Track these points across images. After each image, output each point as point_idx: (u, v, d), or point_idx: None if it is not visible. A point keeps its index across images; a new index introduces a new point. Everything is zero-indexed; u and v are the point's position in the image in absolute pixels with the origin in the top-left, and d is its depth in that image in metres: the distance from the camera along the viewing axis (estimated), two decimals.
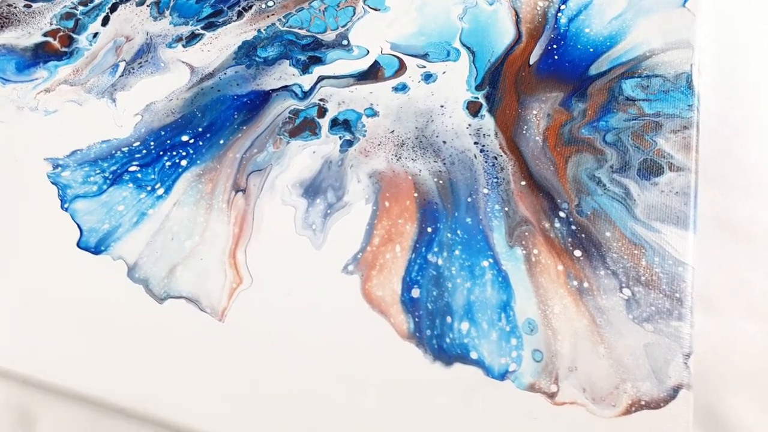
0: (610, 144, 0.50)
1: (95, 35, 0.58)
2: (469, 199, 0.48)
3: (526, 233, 0.46)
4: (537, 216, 0.47)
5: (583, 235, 0.46)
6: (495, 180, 0.49)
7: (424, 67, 0.55)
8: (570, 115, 0.51)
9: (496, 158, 0.50)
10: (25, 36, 0.58)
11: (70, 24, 0.59)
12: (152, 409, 0.40)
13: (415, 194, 0.48)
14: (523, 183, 0.48)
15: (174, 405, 0.41)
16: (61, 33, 0.58)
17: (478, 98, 0.53)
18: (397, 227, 0.47)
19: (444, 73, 0.55)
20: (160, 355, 0.42)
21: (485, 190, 0.48)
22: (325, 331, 0.43)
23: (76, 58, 0.57)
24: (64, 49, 0.57)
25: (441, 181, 0.49)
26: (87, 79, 0.55)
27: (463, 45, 0.56)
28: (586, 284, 0.44)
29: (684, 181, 0.48)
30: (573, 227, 0.46)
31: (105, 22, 0.59)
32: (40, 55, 0.57)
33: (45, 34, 0.58)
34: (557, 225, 0.46)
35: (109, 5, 0.60)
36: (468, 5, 0.58)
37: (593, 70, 0.54)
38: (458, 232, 0.46)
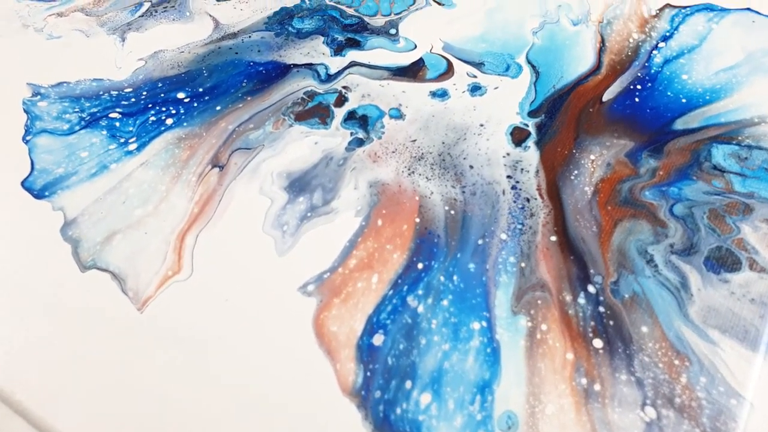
0: (678, 217, 0.38)
1: None
2: (481, 242, 0.38)
3: (539, 301, 0.35)
4: (559, 283, 0.36)
5: (611, 322, 0.35)
6: (519, 226, 0.38)
7: (475, 77, 0.46)
8: (635, 171, 0.40)
9: (528, 200, 0.39)
10: None
11: None
12: (19, 397, 0.33)
13: (417, 219, 0.39)
14: (554, 239, 0.38)
15: (46, 399, 0.33)
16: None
17: (527, 126, 0.43)
18: (382, 253, 0.37)
19: (496, 88, 0.45)
20: (54, 333, 0.35)
21: (503, 236, 0.38)
22: (256, 356, 0.34)
23: None
24: None
25: (453, 212, 0.39)
26: (105, 12, 0.49)
27: (529, 62, 0.46)
28: (597, 386, 0.32)
29: (765, 287, 0.36)
30: (601, 309, 0.35)
31: None
32: None
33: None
34: (581, 301, 0.35)
35: None
36: (548, 20, 0.48)
37: (680, 124, 0.42)
38: (454, 277, 0.36)
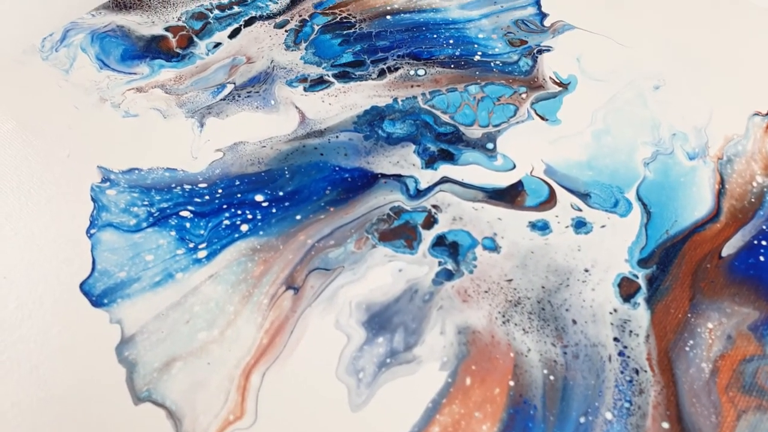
0: None
1: (217, 45, 0.49)
2: (583, 420, 0.33)
3: None
4: None
5: None
6: (627, 405, 0.33)
7: (580, 210, 0.41)
8: (761, 349, 0.35)
9: (637, 372, 0.34)
10: (146, 24, 0.50)
11: (198, 25, 0.50)
12: None
13: (511, 382, 0.34)
14: (666, 425, 0.32)
15: None
16: (184, 32, 0.50)
17: (637, 277, 0.38)
18: (469, 422, 0.32)
19: (603, 227, 0.40)
20: None
21: (609, 415, 0.33)
22: None
23: (185, 64, 0.48)
24: (178, 51, 0.49)
25: (553, 377, 0.34)
26: (186, 91, 0.46)
27: (639, 199, 0.41)
28: None
29: None
30: None
31: (234, 34, 0.50)
32: (152, 49, 0.49)
33: (167, 29, 0.50)
34: None
35: (246, 18, 0.51)
36: (660, 150, 0.44)
37: None
38: None
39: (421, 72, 0.48)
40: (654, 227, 0.40)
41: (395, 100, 0.46)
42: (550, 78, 0.48)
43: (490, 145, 0.44)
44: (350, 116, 0.45)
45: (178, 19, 0.50)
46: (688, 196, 0.42)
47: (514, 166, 0.43)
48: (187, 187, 0.41)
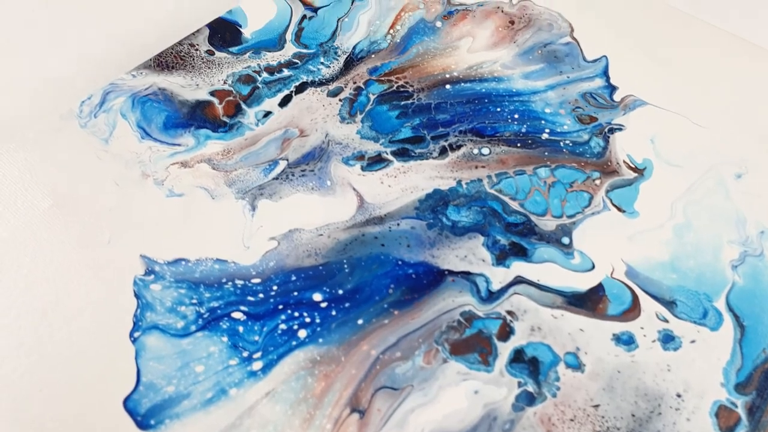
0: None
1: (267, 114, 0.45)
2: None
3: None
4: None
5: None
6: None
7: (667, 321, 0.37)
8: None
9: None
10: (191, 87, 0.46)
11: (245, 90, 0.46)
12: None
13: None
14: None
15: None
16: (231, 98, 0.46)
17: (736, 406, 0.34)
18: None
19: (693, 342, 0.36)
20: None
21: None
22: None
23: (233, 135, 0.44)
24: (225, 119, 0.45)
25: None
26: (235, 167, 0.42)
27: (730, 310, 0.38)
28: None
29: None
30: None
31: (285, 102, 0.46)
32: (197, 116, 0.45)
33: (212, 93, 0.46)
34: None
35: (297, 83, 0.47)
36: (749, 251, 0.40)
37: None
38: None
39: (485, 151, 0.44)
40: (749, 344, 0.36)
41: (459, 182, 0.42)
42: (624, 162, 0.44)
43: (565, 240, 0.40)
44: (411, 200, 0.41)
45: (224, 83, 0.47)
46: None
47: (593, 266, 0.39)
48: (239, 282, 0.37)
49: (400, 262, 0.39)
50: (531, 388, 0.34)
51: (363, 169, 0.43)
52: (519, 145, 0.45)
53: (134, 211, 0.40)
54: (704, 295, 0.38)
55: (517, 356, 0.35)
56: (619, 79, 0.49)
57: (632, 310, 0.38)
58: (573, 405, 0.34)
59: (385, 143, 0.44)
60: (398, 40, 0.50)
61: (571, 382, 0.35)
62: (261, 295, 0.37)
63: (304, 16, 0.51)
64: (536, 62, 0.49)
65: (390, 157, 0.44)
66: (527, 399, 0.34)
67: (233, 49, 0.49)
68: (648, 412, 0.34)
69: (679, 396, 0.34)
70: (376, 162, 0.43)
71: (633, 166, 0.44)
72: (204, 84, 0.46)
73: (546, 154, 0.44)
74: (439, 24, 0.52)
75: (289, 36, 0.50)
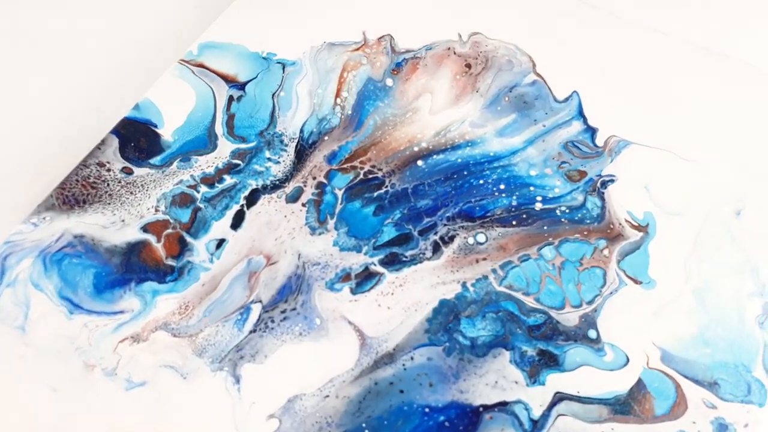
0: None
1: (220, 244, 0.37)
2: None
3: None
4: None
5: None
6: None
7: (715, 407, 0.35)
8: None
9: None
10: (115, 226, 0.37)
11: (185, 216, 0.38)
12: None
13: None
14: None
15: None
16: (170, 230, 0.37)
17: None
18: None
19: (746, 426, 0.34)
20: None
21: None
22: None
23: (186, 283, 0.36)
24: (170, 262, 0.36)
25: None
26: (200, 327, 0.34)
27: None
28: None
29: None
30: None
31: (237, 221, 0.38)
32: (134, 265, 0.36)
33: (145, 228, 0.37)
34: None
35: (246, 192, 0.39)
36: None
37: None
38: None
39: (481, 238, 0.39)
40: None
41: (464, 285, 0.37)
42: (626, 221, 0.40)
43: (592, 334, 0.36)
44: (418, 322, 0.36)
45: (156, 210, 0.38)
46: None
47: (628, 360, 0.36)
48: None
49: (427, 410, 0.33)
50: None
51: (353, 292, 0.36)
52: (514, 223, 0.40)
53: (86, 423, 0.31)
54: (743, 366, 0.36)
55: None
56: (595, 115, 0.44)
57: (679, 404, 0.35)
58: None
59: (369, 251, 0.38)
60: (350, 112, 0.43)
61: None
62: None
63: (231, 98, 0.42)
64: (506, 113, 0.44)
65: (380, 268, 0.37)
66: None
67: (155, 160, 0.39)
68: None
69: None
70: (365, 279, 0.37)
71: (636, 224, 0.40)
72: (131, 218, 0.37)
73: (545, 228, 0.39)
74: (390, 82, 0.44)
75: (219, 129, 0.41)
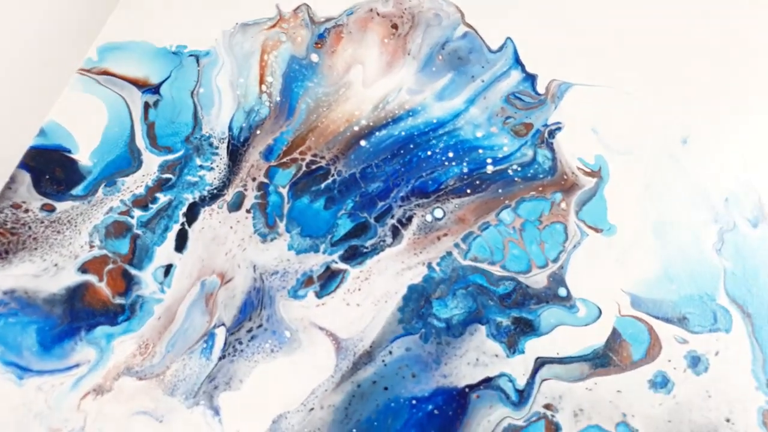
0: None
1: (168, 270, 0.35)
2: None
3: None
4: None
5: None
6: None
7: (686, 342, 0.36)
8: None
9: None
10: (49, 273, 0.34)
11: (124, 246, 0.35)
12: None
13: None
14: None
15: None
16: (110, 265, 0.34)
17: None
18: None
19: (717, 354, 0.36)
20: None
21: None
22: None
23: (141, 320, 0.33)
24: (118, 301, 0.34)
25: None
26: (166, 365, 0.32)
27: (733, 301, 0.37)
28: None
29: None
30: None
31: (181, 242, 0.35)
32: (79, 312, 0.33)
33: (82, 269, 0.34)
34: None
35: (184, 209, 0.36)
36: (724, 227, 0.39)
37: None
38: None
39: (438, 214, 0.38)
40: (761, 333, 0.36)
41: (430, 266, 0.36)
42: (578, 168, 0.40)
43: (562, 292, 0.36)
44: (391, 314, 0.35)
45: (91, 246, 0.35)
46: None
47: (600, 312, 0.36)
48: None
49: (414, 402, 0.33)
50: None
51: (318, 295, 0.35)
52: (469, 191, 0.38)
53: None
54: (707, 296, 0.37)
55: None
56: (533, 60, 0.43)
57: (654, 345, 0.36)
58: None
59: (327, 249, 0.36)
60: (278, 98, 0.40)
61: None
62: None
63: (146, 105, 0.39)
64: (442, 73, 0.42)
65: (341, 265, 0.36)
66: None
67: (76, 190, 0.36)
68: None
69: (728, 421, 0.34)
70: (329, 279, 0.35)
71: (589, 170, 0.40)
72: (64, 260, 0.34)
73: (500, 191, 0.39)
74: (315, 57, 0.41)
75: (141, 142, 0.38)
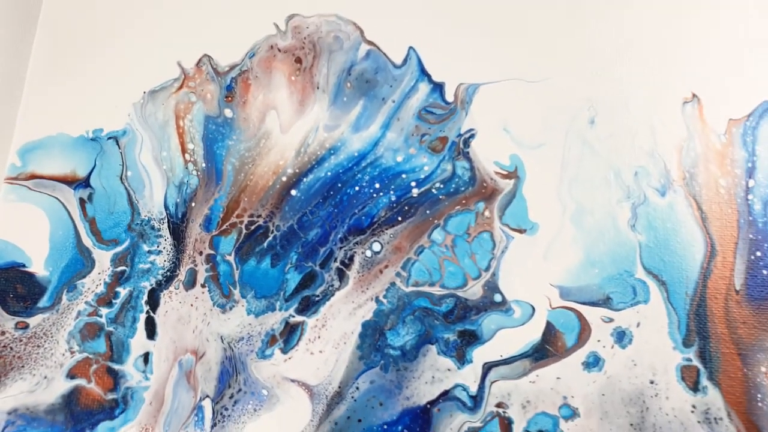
0: None
1: (146, 358, 0.39)
2: None
3: None
4: None
5: None
6: None
7: (612, 320, 0.41)
8: None
9: None
10: (41, 386, 0.38)
11: (101, 345, 0.39)
12: None
13: None
14: None
15: None
16: (95, 366, 0.39)
17: (691, 360, 0.41)
18: None
19: (639, 325, 0.41)
20: None
21: None
22: None
23: (135, 409, 0.38)
24: (111, 396, 0.38)
25: None
26: None
27: (649, 272, 0.42)
28: None
29: None
30: None
31: (150, 330, 0.39)
32: (79, 414, 0.38)
33: (70, 375, 0.38)
34: None
35: (145, 297, 0.40)
36: (635, 202, 0.43)
37: None
38: None
39: (376, 247, 0.41)
40: (675, 297, 0.42)
41: (378, 300, 0.41)
42: (496, 173, 0.43)
43: (497, 298, 0.41)
44: (351, 353, 0.40)
45: (71, 352, 0.39)
46: (682, 241, 0.42)
47: (534, 310, 0.41)
48: None
49: (385, 427, 0.39)
50: None
51: (283, 351, 0.40)
52: (400, 218, 0.42)
53: None
54: (626, 273, 0.42)
55: None
56: (438, 67, 0.44)
57: (584, 329, 0.41)
58: None
59: (282, 306, 0.40)
60: (204, 164, 0.42)
61: (575, 430, 0.39)
62: None
63: (82, 201, 0.41)
64: (354, 101, 0.43)
65: (298, 318, 0.40)
66: None
67: (42, 302, 0.39)
68: (639, 414, 0.40)
69: (652, 383, 0.40)
70: (290, 334, 0.40)
71: (505, 172, 0.43)
72: (52, 370, 0.38)
73: (428, 212, 0.42)
74: (228, 112, 0.43)
75: (87, 241, 0.40)
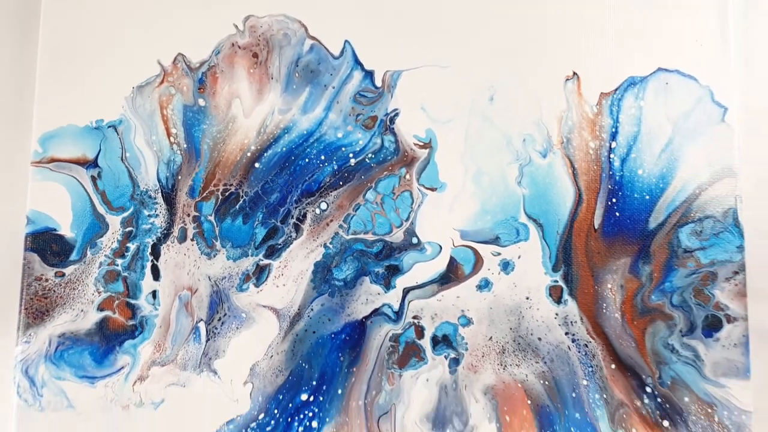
0: (677, 306, 0.56)
1: (155, 294, 0.54)
2: (574, 394, 0.55)
3: (624, 415, 0.55)
4: (629, 396, 0.55)
5: (667, 405, 0.55)
6: (590, 369, 0.55)
7: (499, 254, 0.56)
8: (639, 282, 0.56)
9: (587, 345, 0.55)
10: (80, 317, 0.53)
11: (119, 286, 0.53)
12: None
13: (528, 401, 0.55)
14: (613, 366, 0.55)
15: None
16: (117, 301, 0.53)
17: (557, 282, 0.56)
18: None
19: (519, 257, 0.56)
20: None
21: (584, 382, 0.55)
22: None
23: (150, 331, 0.53)
24: (131, 322, 0.53)
25: (546, 382, 0.55)
26: (174, 354, 0.53)
27: (530, 218, 0.56)
28: None
29: (739, 330, 0.56)
30: (659, 399, 0.55)
31: (155, 273, 0.54)
32: (110, 336, 0.53)
33: (100, 308, 0.53)
34: (646, 401, 0.55)
35: (149, 250, 0.54)
36: (522, 163, 0.56)
37: (652, 222, 0.56)
38: (572, 430, 0.55)
39: (323, 206, 0.55)
40: (549, 235, 0.56)
41: (326, 246, 0.55)
42: (415, 144, 0.56)
43: (414, 240, 0.55)
44: (306, 285, 0.54)
45: (98, 292, 0.53)
46: (557, 194, 0.56)
47: (441, 248, 0.55)
48: (253, 425, 0.53)
49: (333, 336, 0.54)
50: (453, 354, 0.55)
51: (256, 285, 0.54)
52: (341, 183, 0.55)
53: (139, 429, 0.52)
54: (512, 218, 0.56)
55: (435, 341, 0.55)
56: (369, 57, 0.56)
57: (478, 261, 0.56)
58: (479, 347, 0.55)
59: (253, 252, 0.54)
60: (185, 145, 0.54)
61: (471, 335, 0.55)
62: (273, 422, 0.53)
63: (93, 178, 0.53)
64: (302, 89, 0.55)
65: (266, 261, 0.54)
66: (455, 363, 0.55)
67: (72, 256, 0.53)
68: (517, 321, 0.55)
69: (528, 299, 0.56)
70: (260, 273, 0.54)
71: (422, 143, 0.56)
72: (86, 305, 0.53)
73: (363, 177, 0.55)
74: (202, 102, 0.54)
75: (101, 209, 0.53)
